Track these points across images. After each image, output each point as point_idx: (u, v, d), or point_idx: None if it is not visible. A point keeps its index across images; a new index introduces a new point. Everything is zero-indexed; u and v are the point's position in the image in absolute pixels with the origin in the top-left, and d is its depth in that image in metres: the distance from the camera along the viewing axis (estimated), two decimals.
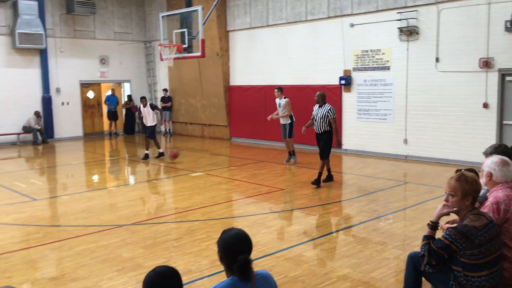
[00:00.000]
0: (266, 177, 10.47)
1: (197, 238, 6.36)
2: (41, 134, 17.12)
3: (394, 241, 6.12)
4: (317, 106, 9.42)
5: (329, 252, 5.82)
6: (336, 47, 13.53)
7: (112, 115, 19.52)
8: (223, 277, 4.91)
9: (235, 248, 2.56)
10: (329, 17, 13.61)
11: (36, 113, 17.04)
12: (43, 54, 17.45)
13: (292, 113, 11.75)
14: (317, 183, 9.20)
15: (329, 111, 9.23)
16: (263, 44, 15.64)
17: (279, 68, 15.14)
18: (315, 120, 9.35)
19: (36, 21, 16.79)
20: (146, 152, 13.09)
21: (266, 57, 15.55)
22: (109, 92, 19.78)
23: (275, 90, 11.89)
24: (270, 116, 12.10)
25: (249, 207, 8.23)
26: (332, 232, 6.68)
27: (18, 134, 16.93)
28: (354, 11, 12.97)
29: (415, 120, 12.05)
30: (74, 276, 5.21)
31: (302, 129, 9.80)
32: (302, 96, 13.97)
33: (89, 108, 19.41)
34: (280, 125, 11.99)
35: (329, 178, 9.64)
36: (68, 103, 18.27)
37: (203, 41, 12.78)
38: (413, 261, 3.72)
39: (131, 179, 11.34)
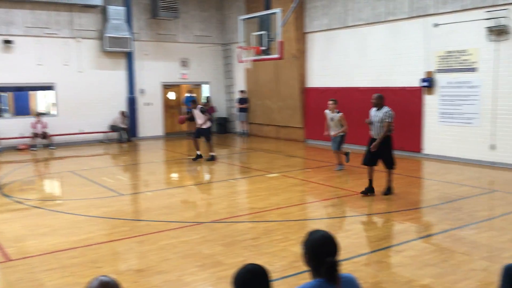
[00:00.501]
0: (343, 180, 10.34)
1: (274, 239, 6.42)
2: (126, 132, 18.06)
3: (481, 252, 5.82)
4: (374, 109, 8.69)
5: (410, 259, 5.64)
6: (417, 48, 13.08)
7: (191, 116, 20.10)
8: (301, 279, 4.93)
9: (322, 250, 2.56)
10: (410, 17, 13.18)
11: (122, 113, 18.02)
12: (129, 57, 18.42)
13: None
14: (388, 192, 8.72)
15: (386, 113, 8.49)
16: (341, 46, 15.45)
17: (357, 69, 14.89)
18: (373, 125, 8.64)
19: (123, 26, 17.75)
20: (198, 153, 13.23)
21: (343, 59, 15.36)
22: (188, 94, 20.44)
23: (330, 102, 11.09)
24: (326, 133, 11.43)
25: (326, 210, 8.17)
26: (413, 239, 6.46)
27: (105, 132, 17.98)
28: (439, 11, 12.46)
29: (504, 125, 11.34)
30: (158, 269, 5.45)
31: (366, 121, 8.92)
32: None
33: (170, 108, 20.18)
34: (331, 136, 11.29)
35: (370, 190, 8.71)
36: (151, 104, 19.12)
37: (281, 43, 12.87)
38: (510, 274, 3.51)
39: (209, 178, 11.66)
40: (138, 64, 18.73)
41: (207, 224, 7.13)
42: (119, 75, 18.42)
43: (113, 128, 17.99)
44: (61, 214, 7.84)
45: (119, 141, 17.90)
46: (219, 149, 16.58)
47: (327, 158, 12.17)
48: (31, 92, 19.10)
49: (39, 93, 19.12)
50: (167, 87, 19.89)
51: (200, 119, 13.23)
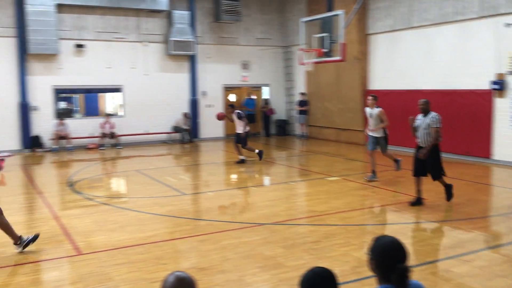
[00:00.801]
0: (406, 185, 10.05)
1: (336, 243, 6.35)
2: (188, 134, 18.52)
3: None
4: (420, 115, 8.14)
5: (480, 270, 5.39)
6: (487, 49, 12.49)
7: (251, 118, 20.29)
8: (364, 285, 4.86)
9: (392, 256, 2.51)
10: (480, 17, 12.62)
11: (185, 114, 18.50)
12: (192, 60, 18.88)
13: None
14: (449, 196, 8.26)
15: (433, 118, 7.94)
16: (405, 47, 15.04)
17: (422, 72, 14.43)
18: (418, 132, 8.10)
19: (187, 30, 18.22)
20: (241, 157, 13.14)
21: (408, 61, 14.94)
22: (247, 96, 20.64)
23: (369, 97, 10.40)
24: (366, 131, 10.82)
25: (389, 216, 7.98)
26: (482, 249, 6.17)
27: (168, 133, 18.52)
28: (511, 10, 11.84)
29: None
30: (220, 268, 5.54)
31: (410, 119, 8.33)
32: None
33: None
34: (369, 136, 10.52)
35: (418, 201, 8.21)
36: (212, 105, 19.48)
37: (344, 45, 12.73)
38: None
39: (269, 180, 11.71)
40: (200, 67, 19.15)
41: (268, 226, 7.17)
42: (183, 77, 18.92)
43: (176, 129, 18.50)
44: (128, 212, 8.16)
45: (182, 142, 18.37)
46: (278, 151, 16.64)
47: (389, 162, 11.89)
48: (100, 94, 20.02)
49: (108, 94, 19.99)
50: (228, 89, 20.19)
51: (238, 124, 13.18)
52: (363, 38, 16.38)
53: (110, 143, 17.12)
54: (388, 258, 2.51)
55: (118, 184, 11.77)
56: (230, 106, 13.78)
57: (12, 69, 16.02)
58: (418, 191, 8.25)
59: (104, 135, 16.98)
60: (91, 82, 17.46)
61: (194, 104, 19.02)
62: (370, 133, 10.46)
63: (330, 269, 2.40)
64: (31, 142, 16.24)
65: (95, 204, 8.76)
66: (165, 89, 18.52)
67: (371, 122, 10.38)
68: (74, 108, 19.54)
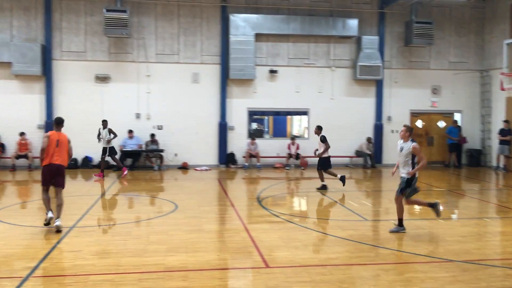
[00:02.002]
0: None
1: None
2: (370, 159, 18.29)
3: None
4: None
5: None
6: None
7: (454, 147, 19.00)
8: None
9: None
10: None
11: (368, 139, 18.35)
12: (378, 85, 18.71)
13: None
14: None
15: None
16: None
17: None
18: None
19: (375, 54, 18.15)
20: (322, 183, 12.78)
21: None
22: (452, 124, 19.35)
23: (403, 128, 8.44)
24: (394, 170, 8.82)
25: None
26: None
27: (351, 157, 18.56)
28: None
29: None
30: None
31: None
32: None
33: (417, 137, 19.58)
34: (401, 177, 8.35)
35: None
36: (397, 131, 18.91)
37: None
38: None
39: (459, 214, 10.85)
40: (386, 92, 18.86)
41: (458, 264, 6.65)
42: (368, 102, 18.84)
43: (359, 154, 18.44)
44: (310, 231, 8.40)
45: (364, 166, 18.22)
46: (470, 184, 15.34)
47: None
48: (288, 116, 21.13)
49: (295, 117, 20.98)
50: (415, 115, 19.41)
51: (320, 147, 12.75)
52: None
53: (295, 164, 17.87)
54: None
55: (301, 204, 12.20)
56: (318, 127, 13.22)
57: (215, 93, 17.97)
58: None
59: (289, 156, 17.81)
60: (280, 105, 18.56)
61: (378, 129, 18.75)
62: (402, 174, 8.32)
63: None
64: (226, 159, 17.91)
65: (280, 221, 9.23)
66: (350, 113, 18.67)
67: (401, 159, 8.37)
68: (264, 129, 20.99)
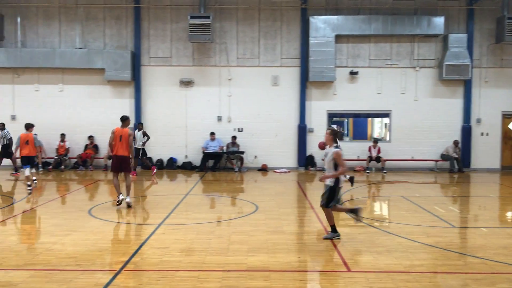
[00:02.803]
0: None
1: None
2: (457, 163, 17.42)
3: None
4: None
5: None
6: None
7: None
8: None
9: None
10: None
11: (455, 142, 17.49)
12: (467, 85, 17.79)
13: None
14: None
15: None
16: None
17: None
18: None
19: (463, 53, 17.29)
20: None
21: None
22: None
23: (327, 132, 8.08)
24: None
25: None
26: None
27: (436, 161, 17.79)
28: None
29: None
30: None
31: None
32: None
33: (510, 140, 18.39)
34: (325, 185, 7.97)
35: None
36: (487, 134, 17.89)
37: None
38: None
39: None
40: (475, 92, 17.92)
41: None
42: (455, 103, 17.99)
43: (444, 157, 17.63)
44: (394, 237, 8.16)
45: (450, 171, 17.40)
46: None
47: None
48: (368, 119, 20.68)
49: (376, 119, 20.49)
50: (507, 116, 18.22)
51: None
52: None
53: (376, 167, 17.45)
54: None
55: (383, 208, 11.89)
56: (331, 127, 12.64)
57: (295, 96, 18.03)
58: None
59: (370, 159, 17.43)
60: (361, 107, 18.22)
61: (466, 132, 17.83)
62: None
63: None
64: (305, 161, 17.89)
65: (361, 225, 9.05)
66: (435, 115, 17.93)
67: None
68: (344, 132, 20.71)
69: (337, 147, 7.85)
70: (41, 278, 5.86)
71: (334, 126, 19.62)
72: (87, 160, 17.84)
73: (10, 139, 16.20)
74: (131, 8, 17.97)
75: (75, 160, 18.05)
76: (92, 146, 18.12)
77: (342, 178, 7.93)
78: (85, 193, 12.94)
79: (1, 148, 16.32)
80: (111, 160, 10.64)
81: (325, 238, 7.94)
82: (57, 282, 5.72)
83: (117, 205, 10.30)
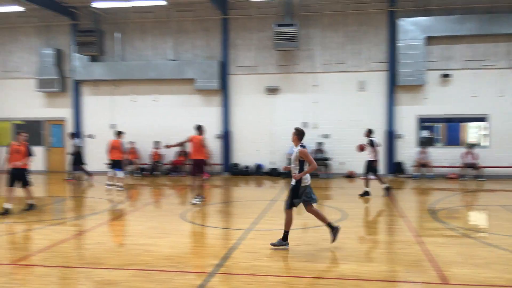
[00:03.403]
0: None
1: None
2: None
3: None
4: None
5: None
6: None
7: None
8: None
9: None
10: None
11: None
12: None
13: None
14: None
15: None
16: None
17: None
18: None
19: None
20: (366, 189, 12.89)
21: None
22: None
23: (293, 131, 7.98)
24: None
25: None
26: None
27: None
28: None
29: None
30: None
31: None
32: None
33: None
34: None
35: None
36: None
37: None
38: None
39: None
40: None
41: None
42: None
43: None
44: (494, 248, 7.67)
45: None
46: None
47: None
48: (462, 123, 19.58)
49: (471, 124, 19.36)
50: None
51: (368, 151, 12.57)
52: None
53: (472, 174, 16.50)
54: None
55: (480, 218, 11.21)
56: (369, 130, 12.92)
57: (382, 100, 17.59)
58: None
59: (465, 166, 16.51)
60: (454, 111, 17.38)
61: None
62: None
63: None
64: (394, 168, 17.35)
65: (457, 236, 8.61)
66: None
67: None
68: (436, 137, 19.77)
69: (302, 146, 7.71)
70: (141, 278, 6.23)
71: (425, 132, 18.83)
72: (179, 166, 18.67)
73: (80, 148, 17.22)
74: (219, 19, 18.58)
75: (168, 166, 18.95)
76: (184, 153, 18.93)
77: (308, 176, 7.62)
78: (176, 198, 13.54)
79: (74, 156, 17.17)
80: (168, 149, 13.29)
81: (272, 245, 7.59)
82: (155, 282, 6.05)
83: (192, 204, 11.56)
